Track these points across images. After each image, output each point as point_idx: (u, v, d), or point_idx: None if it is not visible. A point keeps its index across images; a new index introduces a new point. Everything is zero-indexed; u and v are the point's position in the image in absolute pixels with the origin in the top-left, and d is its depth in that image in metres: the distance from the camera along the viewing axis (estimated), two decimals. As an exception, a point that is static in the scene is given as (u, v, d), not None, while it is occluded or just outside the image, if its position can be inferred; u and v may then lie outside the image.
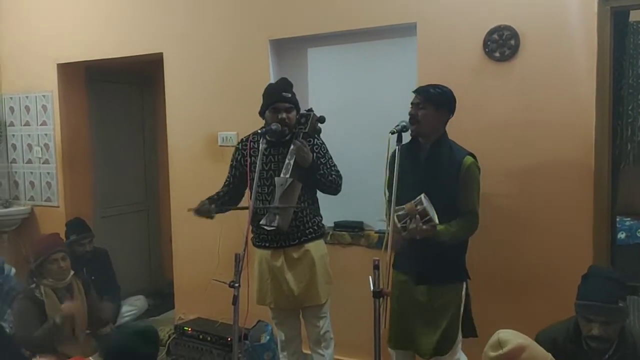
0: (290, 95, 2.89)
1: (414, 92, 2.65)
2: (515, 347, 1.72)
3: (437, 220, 2.41)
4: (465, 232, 2.58)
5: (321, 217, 3.03)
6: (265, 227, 2.82)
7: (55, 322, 3.19)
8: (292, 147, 2.80)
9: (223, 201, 3.00)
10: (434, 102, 2.56)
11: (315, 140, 2.94)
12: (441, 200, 2.48)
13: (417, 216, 2.38)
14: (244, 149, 2.98)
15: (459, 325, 2.65)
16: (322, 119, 2.92)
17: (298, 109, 2.94)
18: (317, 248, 2.94)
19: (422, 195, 2.42)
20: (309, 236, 2.92)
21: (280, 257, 2.90)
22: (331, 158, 2.97)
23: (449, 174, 2.54)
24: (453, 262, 2.63)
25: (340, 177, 2.95)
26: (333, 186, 2.91)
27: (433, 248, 2.50)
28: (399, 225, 2.42)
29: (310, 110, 2.93)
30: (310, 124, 2.85)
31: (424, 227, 2.38)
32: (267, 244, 2.93)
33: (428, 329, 2.62)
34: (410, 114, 2.60)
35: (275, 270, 2.91)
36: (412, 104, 2.62)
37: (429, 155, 2.60)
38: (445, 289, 2.61)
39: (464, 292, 2.66)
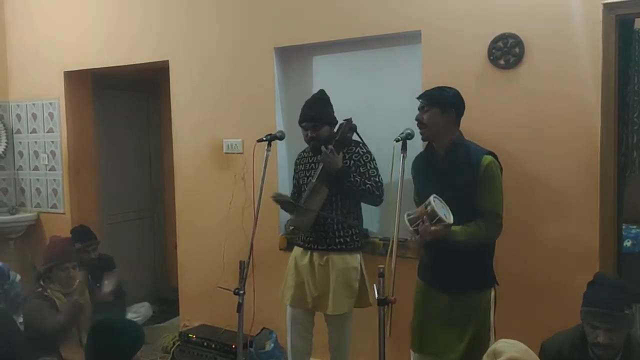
0: (313, 113, 3.00)
1: (418, 97, 2.64)
2: None
3: (450, 220, 2.36)
4: (486, 234, 2.48)
5: (359, 230, 3.05)
6: (289, 227, 3.11)
7: (77, 300, 3.19)
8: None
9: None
10: (438, 103, 2.54)
11: (358, 149, 3.02)
12: (461, 203, 2.42)
13: (425, 217, 2.37)
14: (297, 161, 3.27)
15: (489, 333, 2.57)
16: (354, 127, 3.03)
17: (329, 122, 3.03)
18: (342, 260, 2.96)
19: (432, 197, 2.38)
20: (338, 246, 2.97)
21: (307, 257, 3.02)
22: (374, 168, 2.98)
23: (467, 175, 2.47)
24: (476, 268, 2.55)
25: (378, 187, 2.94)
26: (368, 195, 2.93)
27: (453, 255, 2.47)
28: (411, 228, 2.41)
29: (349, 120, 3.03)
30: (342, 133, 2.98)
31: (432, 228, 2.34)
32: (300, 242, 3.09)
33: (453, 336, 2.57)
34: (416, 118, 2.58)
35: (300, 268, 3.04)
36: (418, 109, 2.61)
37: (445, 158, 2.56)
38: (468, 296, 2.56)
39: (492, 299, 2.59)
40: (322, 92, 3.13)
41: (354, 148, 3.01)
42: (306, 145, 3.15)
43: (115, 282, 3.66)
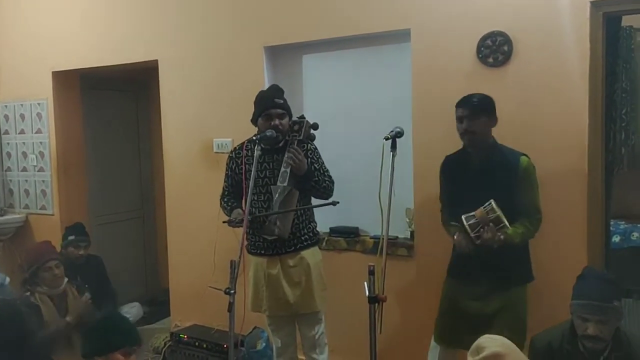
0: (282, 101, 2.88)
1: (457, 105, 2.65)
2: (489, 355, 1.70)
3: (509, 225, 2.44)
4: (532, 232, 2.60)
5: (315, 223, 3.03)
6: (267, 237, 2.84)
7: (68, 321, 3.21)
8: (286, 155, 2.79)
9: (232, 207, 2.98)
10: (486, 111, 2.59)
11: (309, 145, 2.94)
12: (503, 205, 2.48)
13: (491, 224, 2.41)
14: (237, 157, 2.96)
15: (524, 330, 2.58)
16: (315, 126, 2.95)
17: (290, 115, 2.93)
18: (312, 255, 2.94)
19: (492, 202, 2.44)
20: (305, 243, 2.92)
21: (276, 264, 2.89)
22: (324, 163, 2.97)
23: (507, 178, 2.56)
24: (512, 265, 2.60)
25: (332, 182, 2.95)
26: (327, 192, 2.92)
27: (498, 252, 2.50)
28: (472, 234, 2.45)
29: (302, 117, 2.95)
30: (305, 130, 2.87)
31: (502, 236, 2.42)
32: (262, 252, 2.92)
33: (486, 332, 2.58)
34: (463, 128, 2.60)
35: (271, 278, 2.90)
36: (461, 117, 2.61)
37: (483, 163, 2.62)
38: (501, 293, 2.58)
39: (525, 294, 2.64)
40: (277, 85, 3.01)
41: (305, 144, 2.92)
42: (244, 140, 2.96)
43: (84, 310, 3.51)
